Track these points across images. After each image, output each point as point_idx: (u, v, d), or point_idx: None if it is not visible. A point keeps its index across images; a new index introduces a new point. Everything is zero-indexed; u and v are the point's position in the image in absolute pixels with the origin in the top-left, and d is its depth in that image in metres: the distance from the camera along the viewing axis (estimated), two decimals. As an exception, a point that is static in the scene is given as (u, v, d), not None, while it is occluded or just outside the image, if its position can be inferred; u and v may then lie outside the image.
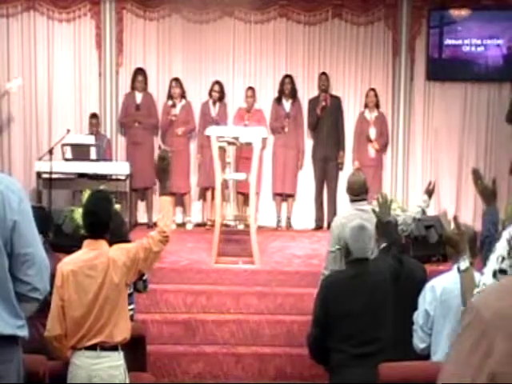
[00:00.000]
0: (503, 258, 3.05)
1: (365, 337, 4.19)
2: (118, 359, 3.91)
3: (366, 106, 9.80)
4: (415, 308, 4.60)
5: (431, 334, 4.37)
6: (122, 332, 3.92)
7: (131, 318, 5.37)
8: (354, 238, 4.34)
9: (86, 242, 4.00)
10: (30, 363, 4.02)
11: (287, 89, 9.73)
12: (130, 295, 5.34)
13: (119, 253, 3.96)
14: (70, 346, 3.89)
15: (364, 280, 4.29)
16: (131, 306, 5.36)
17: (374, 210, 4.95)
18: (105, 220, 4.02)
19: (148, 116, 9.70)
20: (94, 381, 3.83)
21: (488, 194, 4.61)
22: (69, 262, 3.97)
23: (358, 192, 5.57)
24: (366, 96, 9.78)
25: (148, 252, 4.00)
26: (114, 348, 3.90)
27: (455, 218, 3.44)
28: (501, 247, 3.05)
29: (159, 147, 9.75)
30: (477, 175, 4.60)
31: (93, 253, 3.94)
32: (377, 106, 9.78)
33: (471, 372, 1.17)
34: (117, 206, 7.51)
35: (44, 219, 5.17)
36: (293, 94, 9.78)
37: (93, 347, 3.86)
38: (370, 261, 4.40)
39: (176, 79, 9.68)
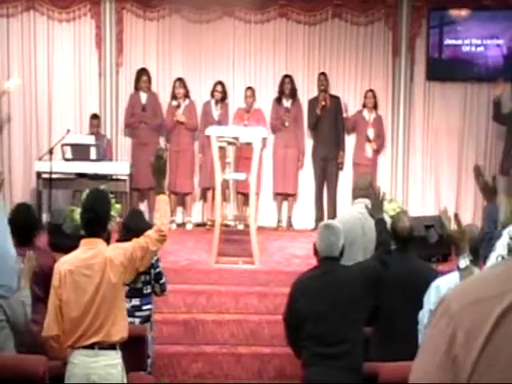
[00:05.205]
0: (503, 258, 3.06)
1: (331, 337, 4.11)
2: (115, 358, 3.88)
3: (364, 106, 9.80)
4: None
5: None
6: (119, 331, 3.89)
7: (149, 317, 5.39)
8: (320, 237, 4.28)
9: (84, 241, 3.96)
10: (30, 363, 4.03)
11: (287, 88, 9.72)
12: (148, 295, 5.36)
13: (116, 252, 3.93)
14: (67, 345, 3.86)
15: (331, 279, 4.20)
16: (149, 306, 5.39)
17: (366, 207, 4.95)
18: (102, 218, 4.00)
19: (154, 116, 9.66)
20: (91, 379, 3.81)
21: (488, 191, 4.60)
22: (66, 262, 3.94)
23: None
24: (365, 97, 9.78)
25: (145, 251, 3.96)
26: (111, 347, 3.88)
27: (456, 216, 3.44)
28: (500, 246, 3.06)
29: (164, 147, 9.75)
30: (478, 172, 4.59)
31: (90, 252, 3.90)
32: (375, 107, 9.78)
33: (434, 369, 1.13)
34: (117, 207, 7.53)
35: (29, 217, 5.06)
36: (293, 94, 9.77)
37: (91, 346, 3.83)
38: (339, 260, 4.28)
39: (180, 79, 9.65)
